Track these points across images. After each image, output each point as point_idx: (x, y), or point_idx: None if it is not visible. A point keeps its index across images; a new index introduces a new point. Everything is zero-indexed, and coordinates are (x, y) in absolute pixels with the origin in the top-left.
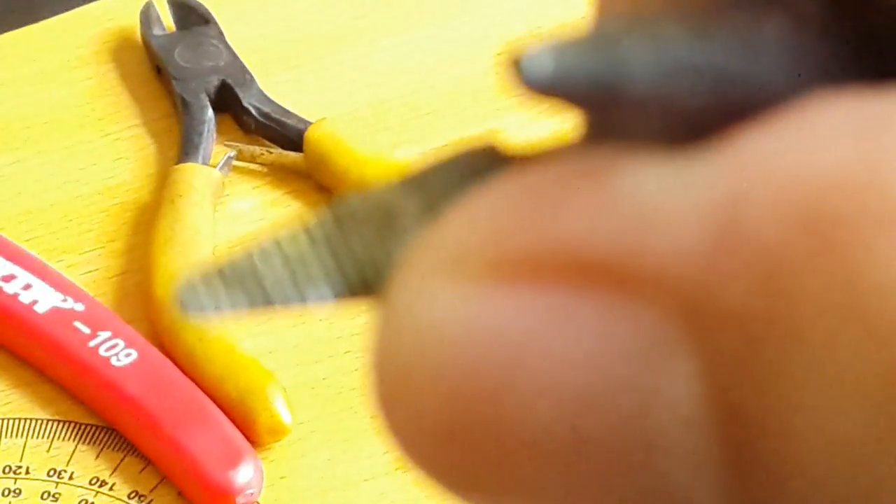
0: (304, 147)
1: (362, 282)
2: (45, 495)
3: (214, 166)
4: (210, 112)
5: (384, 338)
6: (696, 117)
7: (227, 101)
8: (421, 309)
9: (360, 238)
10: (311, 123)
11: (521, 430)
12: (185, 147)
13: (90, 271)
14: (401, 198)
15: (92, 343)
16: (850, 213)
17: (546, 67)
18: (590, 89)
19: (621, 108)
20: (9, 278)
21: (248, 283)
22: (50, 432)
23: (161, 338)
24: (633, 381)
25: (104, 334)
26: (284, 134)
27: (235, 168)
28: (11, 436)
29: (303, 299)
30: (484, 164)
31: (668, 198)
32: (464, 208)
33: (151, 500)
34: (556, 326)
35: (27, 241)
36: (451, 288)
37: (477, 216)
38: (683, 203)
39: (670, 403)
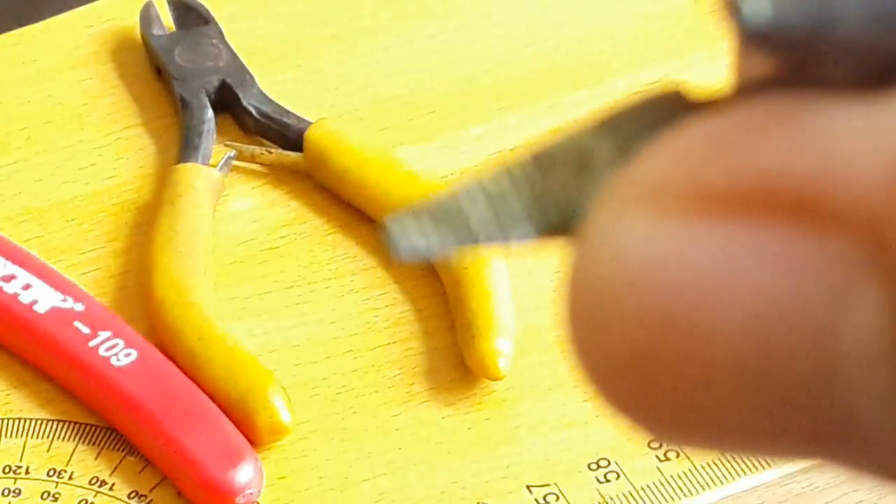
0: (305, 147)
1: (561, 220)
2: (45, 495)
3: (214, 166)
4: (210, 112)
5: (580, 268)
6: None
7: (226, 101)
8: (616, 241)
9: (557, 178)
10: (311, 123)
11: (709, 358)
12: (185, 147)
13: (90, 271)
14: (595, 140)
15: (92, 343)
16: None
17: (765, 13)
18: (804, 34)
19: (829, 52)
20: (8, 278)
21: (454, 222)
22: (49, 432)
23: (161, 337)
24: (820, 313)
25: (104, 334)
26: (284, 134)
27: (235, 168)
28: (11, 436)
29: (506, 238)
30: (672, 108)
31: (860, 136)
32: (659, 146)
33: (151, 500)
34: (748, 258)
35: (27, 240)
36: (646, 220)
37: (672, 152)
38: (875, 141)
39: (856, 335)
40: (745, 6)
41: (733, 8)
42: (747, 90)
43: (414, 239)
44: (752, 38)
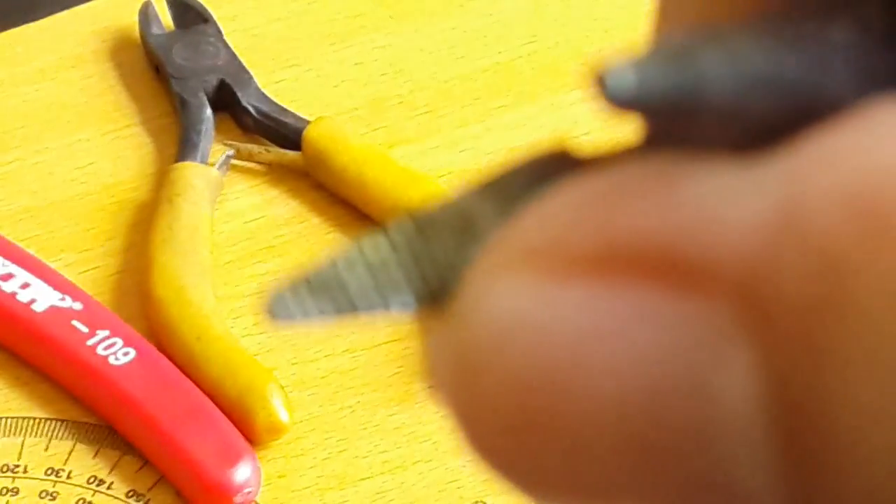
0: (303, 146)
1: (443, 287)
2: (43, 494)
3: (213, 165)
4: (208, 111)
5: (452, 331)
6: (765, 125)
7: (225, 100)
8: (487, 303)
9: (440, 244)
10: (309, 122)
11: (585, 421)
12: (184, 146)
13: (88, 270)
14: (478, 204)
15: (90, 342)
16: None
17: (629, 83)
18: (670, 102)
19: (696, 118)
20: (7, 277)
21: (333, 291)
22: (48, 431)
23: (159, 336)
24: (693, 374)
25: (102, 333)
26: (283, 133)
27: (234, 167)
28: (9, 435)
29: (386, 306)
30: (557, 168)
31: (731, 196)
32: (534, 207)
33: (149, 499)
34: (616, 320)
35: (25, 239)
36: (518, 282)
37: (546, 214)
38: (745, 200)
39: (730, 395)
40: (609, 79)
41: (598, 80)
42: (631, 150)
43: (292, 308)
44: (620, 108)
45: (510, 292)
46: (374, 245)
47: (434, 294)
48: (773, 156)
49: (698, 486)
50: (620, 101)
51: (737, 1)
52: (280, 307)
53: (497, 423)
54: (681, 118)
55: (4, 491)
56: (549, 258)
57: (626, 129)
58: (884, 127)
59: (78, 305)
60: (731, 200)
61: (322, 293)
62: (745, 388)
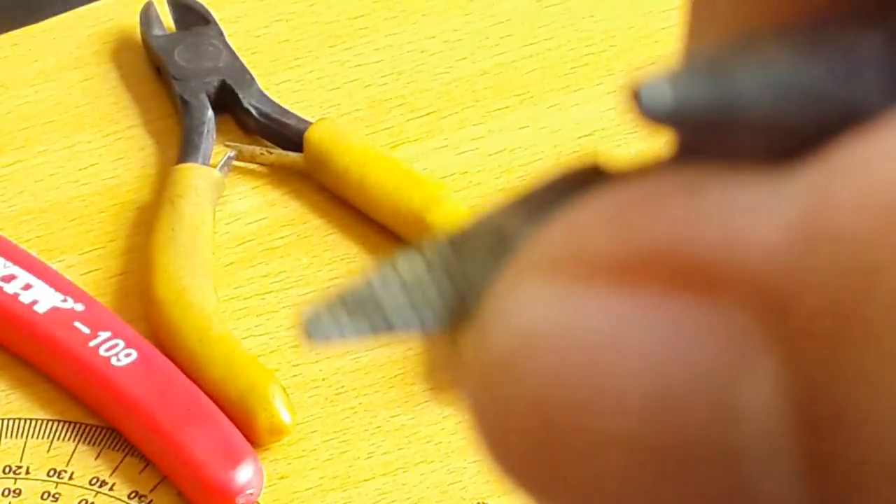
0: (304, 147)
1: (479, 304)
2: (45, 495)
3: (214, 166)
4: (210, 112)
5: (478, 340)
6: (797, 137)
7: (226, 102)
8: (512, 311)
9: (474, 262)
10: (310, 123)
11: (607, 431)
12: (185, 147)
13: (90, 271)
14: (512, 220)
15: (92, 343)
16: None
17: (665, 97)
18: (705, 116)
19: (730, 131)
20: (9, 278)
21: (369, 310)
22: (50, 432)
23: (161, 338)
24: (717, 384)
25: (104, 334)
26: (284, 134)
27: (235, 168)
28: (11, 436)
29: (422, 324)
30: (590, 182)
31: (758, 205)
32: (561, 218)
33: (151, 501)
34: (644, 329)
35: (27, 241)
36: (543, 290)
37: (572, 223)
38: (772, 209)
39: (753, 406)
40: (644, 92)
41: (634, 94)
42: (662, 163)
43: (328, 328)
44: (655, 122)
45: (534, 300)
46: (409, 264)
47: (469, 312)
48: (801, 165)
49: (722, 498)
50: (656, 115)
51: (767, 12)
52: (316, 327)
53: (518, 432)
54: (715, 131)
55: (7, 492)
56: (574, 266)
57: (634, 133)
58: None
59: (80, 307)
60: (758, 209)
61: (358, 312)
62: (770, 399)
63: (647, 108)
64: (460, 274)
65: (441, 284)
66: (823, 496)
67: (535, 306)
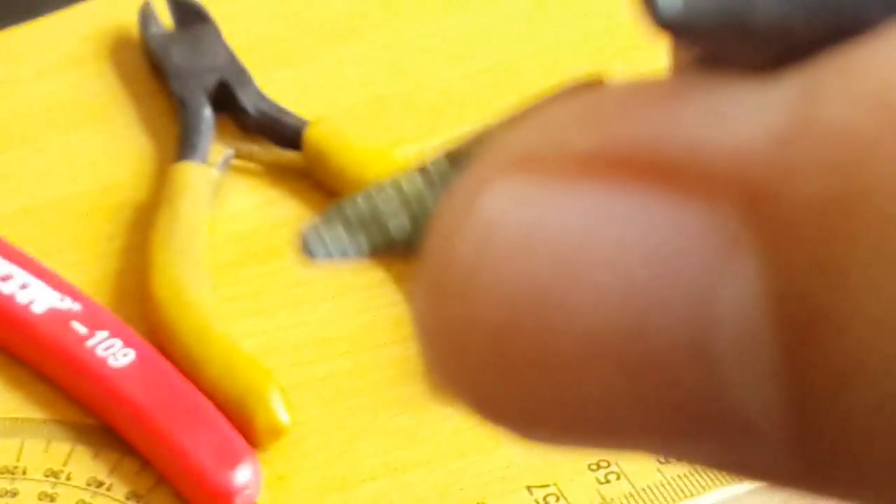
0: (303, 146)
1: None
2: (42, 496)
3: (212, 165)
4: (208, 111)
5: (440, 240)
6: (805, 47)
7: (225, 100)
8: (481, 206)
9: None
10: (309, 122)
11: (576, 339)
12: (183, 146)
13: (87, 270)
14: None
15: (89, 343)
16: None
17: (677, 5)
18: (719, 24)
19: (739, 42)
20: (5, 278)
21: (369, 224)
22: (47, 433)
23: (159, 337)
24: (695, 283)
25: (101, 334)
26: (283, 133)
27: (233, 167)
28: (8, 436)
29: (423, 237)
30: None
31: (746, 102)
32: (533, 115)
33: (149, 501)
34: (619, 224)
35: (24, 240)
36: (513, 186)
37: (546, 121)
38: (760, 105)
39: (732, 308)
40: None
41: (647, 1)
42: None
43: (329, 244)
44: (667, 29)
45: (503, 196)
46: (410, 179)
47: None
48: (795, 70)
49: (697, 404)
50: (668, 22)
51: None
52: (315, 244)
53: (479, 337)
54: (725, 40)
55: (3, 492)
56: (546, 162)
57: None
58: None
59: (77, 306)
60: (745, 106)
61: (358, 226)
62: (750, 300)
63: (660, 15)
64: None
65: (441, 198)
66: (801, 404)
67: (504, 202)
